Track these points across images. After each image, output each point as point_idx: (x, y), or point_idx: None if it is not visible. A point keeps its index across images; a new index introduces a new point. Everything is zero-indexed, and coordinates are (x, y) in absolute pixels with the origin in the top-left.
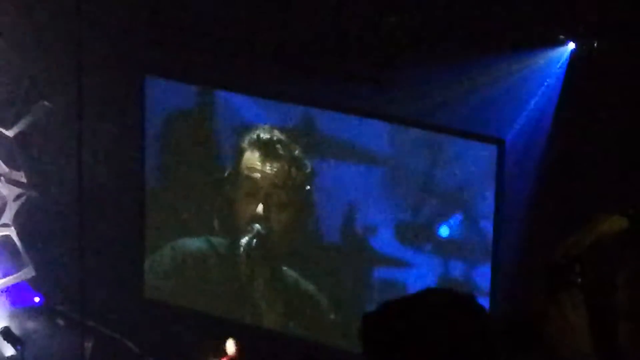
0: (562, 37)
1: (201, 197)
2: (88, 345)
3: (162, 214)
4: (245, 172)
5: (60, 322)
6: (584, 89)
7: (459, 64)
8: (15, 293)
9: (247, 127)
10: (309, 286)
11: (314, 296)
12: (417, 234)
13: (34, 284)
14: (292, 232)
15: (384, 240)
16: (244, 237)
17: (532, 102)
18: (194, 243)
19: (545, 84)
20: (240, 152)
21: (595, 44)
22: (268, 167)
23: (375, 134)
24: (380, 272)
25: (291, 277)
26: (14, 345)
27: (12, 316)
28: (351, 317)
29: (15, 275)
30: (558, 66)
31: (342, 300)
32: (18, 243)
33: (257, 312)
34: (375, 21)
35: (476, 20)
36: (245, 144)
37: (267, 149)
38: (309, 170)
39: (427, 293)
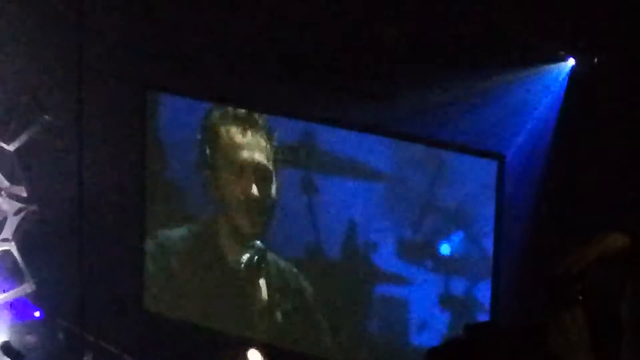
0: (562, 52)
1: (198, 209)
2: (88, 358)
3: (162, 227)
4: (230, 152)
5: (61, 336)
6: (585, 104)
7: (457, 80)
8: (15, 307)
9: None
10: (308, 300)
11: (313, 310)
12: (418, 250)
13: (34, 299)
14: (292, 247)
15: (385, 257)
16: (245, 254)
17: (532, 118)
18: (177, 233)
19: (545, 99)
20: (212, 130)
21: (595, 60)
22: (250, 141)
23: (376, 150)
24: (381, 289)
25: (292, 290)
26: None
27: (13, 331)
28: (350, 333)
29: (15, 290)
30: (558, 82)
31: (342, 315)
32: (18, 258)
33: (255, 325)
34: (373, 35)
35: (475, 37)
36: (215, 119)
37: (245, 120)
38: (276, 133)
39: (482, 329)
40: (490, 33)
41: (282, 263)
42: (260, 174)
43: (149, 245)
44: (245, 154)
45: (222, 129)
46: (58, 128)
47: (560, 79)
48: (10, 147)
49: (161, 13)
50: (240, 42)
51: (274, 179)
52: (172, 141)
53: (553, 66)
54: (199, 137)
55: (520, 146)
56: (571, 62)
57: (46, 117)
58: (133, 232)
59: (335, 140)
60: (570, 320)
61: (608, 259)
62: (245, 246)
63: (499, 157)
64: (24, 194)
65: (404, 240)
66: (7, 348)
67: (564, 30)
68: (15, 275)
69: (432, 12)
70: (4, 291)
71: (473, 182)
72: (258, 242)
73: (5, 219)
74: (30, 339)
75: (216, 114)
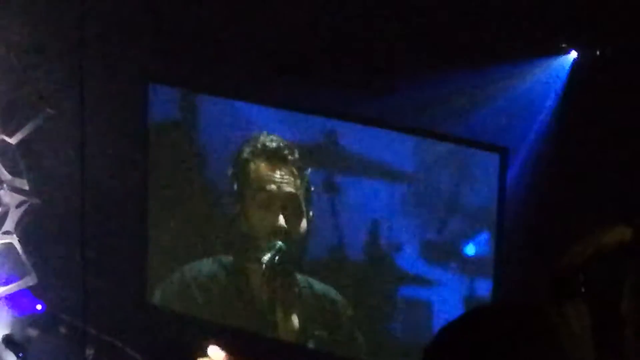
0: (564, 45)
1: (206, 211)
2: (90, 352)
3: (166, 222)
4: (258, 184)
5: (62, 329)
6: (587, 97)
7: (459, 75)
8: (17, 300)
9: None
10: (331, 303)
11: (337, 312)
12: (443, 251)
13: (36, 292)
14: (314, 248)
15: (409, 258)
16: (266, 254)
17: (534, 111)
18: (204, 266)
19: (548, 92)
20: (243, 165)
21: (597, 53)
22: (279, 175)
23: (398, 149)
24: (405, 290)
25: (312, 293)
26: (15, 353)
27: (14, 324)
28: (374, 335)
29: (17, 283)
30: (560, 75)
31: (366, 317)
32: (20, 251)
33: (271, 325)
34: (373, 27)
35: (477, 30)
36: (246, 155)
37: (275, 156)
38: (308, 172)
39: (481, 312)
40: (491, 26)
41: (317, 285)
42: (289, 205)
43: (155, 244)
44: (273, 186)
45: (252, 165)
46: (60, 121)
47: (563, 72)
48: (13, 140)
49: (167, 5)
50: (250, 39)
51: (304, 212)
52: (176, 135)
53: (555, 59)
54: (230, 171)
55: (523, 139)
56: (573, 54)
57: (48, 110)
58: (136, 225)
59: (357, 139)
60: (573, 312)
61: (610, 251)
62: (266, 247)
63: (502, 150)
64: (26, 187)
65: (428, 241)
66: (9, 341)
67: (565, 23)
68: (17, 268)
69: (432, 5)
70: (6, 284)
71: (498, 182)
72: (279, 242)
73: (7, 211)
74: (32, 332)
75: (247, 149)
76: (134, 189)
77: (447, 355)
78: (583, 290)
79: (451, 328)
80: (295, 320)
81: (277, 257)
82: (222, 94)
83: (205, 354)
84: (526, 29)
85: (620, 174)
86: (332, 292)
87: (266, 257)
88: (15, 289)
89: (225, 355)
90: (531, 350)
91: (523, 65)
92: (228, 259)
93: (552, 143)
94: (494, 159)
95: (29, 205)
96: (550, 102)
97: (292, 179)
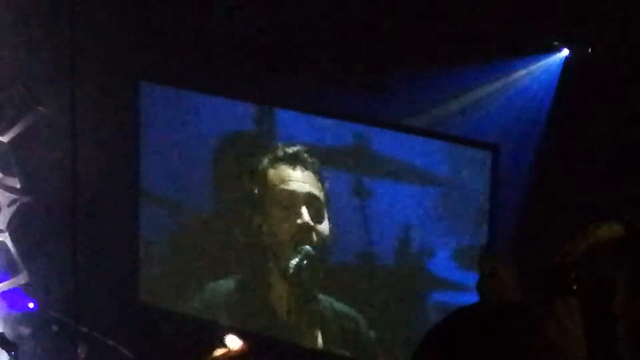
0: (556, 43)
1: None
2: (82, 350)
3: (157, 220)
4: (280, 186)
5: (54, 327)
6: (579, 95)
7: (451, 74)
8: (9, 299)
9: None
10: (356, 312)
11: (359, 320)
12: (476, 257)
13: (28, 290)
14: (344, 253)
15: (441, 263)
16: (294, 258)
17: (526, 109)
18: (225, 287)
19: (540, 90)
20: (262, 173)
21: (589, 50)
22: (300, 175)
23: (430, 152)
24: (437, 296)
25: (334, 313)
26: (8, 351)
27: (6, 322)
28: (404, 341)
29: (9, 281)
30: (552, 73)
31: (395, 322)
32: (12, 249)
33: (291, 330)
34: (370, 27)
35: (469, 28)
36: (265, 163)
37: (295, 159)
38: (326, 176)
39: (470, 311)
40: (483, 25)
41: (337, 305)
42: (311, 205)
43: (147, 242)
44: (295, 185)
45: (271, 170)
46: (52, 119)
47: (555, 69)
48: (4, 138)
49: (160, 2)
50: (252, 38)
51: (325, 216)
52: (168, 136)
53: (547, 57)
54: (246, 182)
55: (514, 137)
56: (565, 52)
57: (40, 108)
58: (127, 223)
59: (388, 142)
60: (564, 308)
61: (602, 248)
62: (293, 251)
63: (494, 147)
64: (18, 185)
65: (461, 246)
66: (1, 339)
67: (557, 20)
68: (9, 266)
69: (424, 6)
70: None
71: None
72: (307, 247)
73: None
74: (24, 330)
75: (265, 159)
76: (125, 187)
77: (437, 356)
78: (575, 286)
79: (440, 328)
80: (319, 340)
81: (305, 262)
82: (229, 94)
83: (223, 345)
84: (518, 28)
85: (612, 170)
86: (354, 312)
87: (294, 262)
88: (7, 287)
89: (243, 344)
90: (521, 349)
91: (515, 63)
92: (248, 277)
93: (544, 140)
94: (486, 156)
95: (20, 204)
96: (542, 99)
97: (313, 180)
